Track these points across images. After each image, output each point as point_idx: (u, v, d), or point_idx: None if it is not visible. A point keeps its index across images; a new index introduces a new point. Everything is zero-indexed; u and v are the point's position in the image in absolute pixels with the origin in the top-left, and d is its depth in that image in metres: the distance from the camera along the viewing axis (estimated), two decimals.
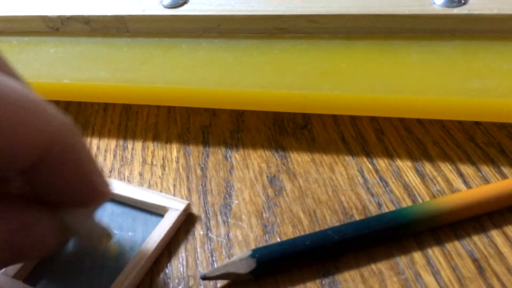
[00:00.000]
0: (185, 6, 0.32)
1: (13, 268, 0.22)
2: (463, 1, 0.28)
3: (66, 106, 0.34)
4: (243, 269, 0.21)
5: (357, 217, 0.24)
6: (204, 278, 0.21)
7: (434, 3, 0.28)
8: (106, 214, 0.25)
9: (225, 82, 0.29)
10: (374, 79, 0.27)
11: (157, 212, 0.25)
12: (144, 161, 0.29)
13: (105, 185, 0.21)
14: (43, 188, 0.19)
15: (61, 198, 0.20)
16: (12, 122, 0.17)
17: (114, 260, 0.23)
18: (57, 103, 0.34)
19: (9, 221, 0.19)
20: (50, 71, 0.32)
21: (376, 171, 0.26)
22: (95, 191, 0.20)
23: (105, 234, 0.21)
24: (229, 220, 0.24)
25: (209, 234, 0.24)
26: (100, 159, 0.29)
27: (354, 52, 0.29)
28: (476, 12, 0.27)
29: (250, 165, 0.27)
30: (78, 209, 0.21)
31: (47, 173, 0.19)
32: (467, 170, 0.25)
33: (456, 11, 0.27)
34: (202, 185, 0.26)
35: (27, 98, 0.17)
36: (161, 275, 0.22)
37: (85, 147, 0.20)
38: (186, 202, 0.25)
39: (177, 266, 0.23)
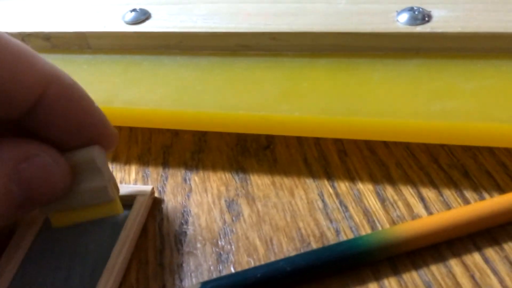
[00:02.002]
0: (147, 23, 0.32)
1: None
2: (426, 19, 0.27)
3: None
4: None
5: (314, 245, 0.23)
6: None
7: (397, 21, 0.27)
8: None
9: (185, 103, 0.28)
10: (335, 100, 0.26)
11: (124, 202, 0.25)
12: None
13: (110, 126, 0.23)
14: (48, 131, 0.22)
15: (67, 139, 0.22)
16: (11, 65, 0.20)
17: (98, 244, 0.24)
18: None
19: (12, 150, 0.20)
20: None
21: (337, 195, 0.25)
22: (100, 127, 0.22)
23: (113, 182, 0.23)
24: (184, 248, 0.24)
25: (162, 263, 0.23)
26: None
27: (316, 70, 0.28)
28: (439, 30, 0.26)
29: (209, 188, 0.27)
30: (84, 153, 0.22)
31: (51, 112, 0.21)
32: (429, 193, 0.24)
33: (419, 29, 0.27)
34: (158, 210, 0.26)
35: (23, 47, 0.20)
36: None
37: (83, 89, 0.22)
38: (150, 186, 0.26)
39: None
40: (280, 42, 0.29)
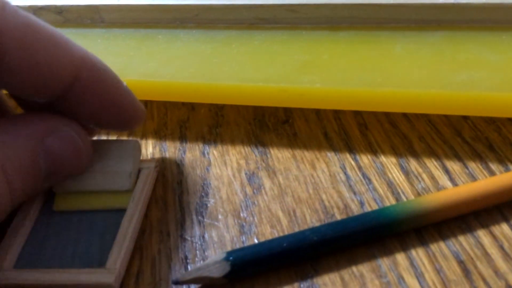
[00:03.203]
0: None
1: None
2: None
3: None
4: (217, 272, 0.20)
5: (339, 217, 0.23)
6: (176, 282, 0.20)
7: None
8: None
9: (203, 75, 0.27)
10: (357, 71, 0.26)
11: None
12: None
13: (139, 105, 0.24)
14: (80, 112, 0.22)
15: (98, 120, 0.23)
16: (46, 50, 0.20)
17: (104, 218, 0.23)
18: None
19: (39, 124, 0.21)
20: None
21: (359, 167, 0.25)
22: (131, 109, 0.23)
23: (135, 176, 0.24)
24: (205, 220, 0.23)
25: (184, 235, 0.23)
26: None
27: (336, 43, 0.28)
28: (463, 1, 0.26)
29: (228, 162, 0.26)
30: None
31: (83, 95, 0.22)
32: (454, 166, 0.24)
33: (442, 0, 0.26)
34: (177, 183, 0.25)
35: (56, 32, 0.21)
36: (132, 279, 0.21)
37: (114, 73, 0.23)
38: (154, 159, 0.26)
39: (149, 270, 0.21)
40: (298, 14, 0.29)
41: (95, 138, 0.27)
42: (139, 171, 0.25)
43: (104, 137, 0.29)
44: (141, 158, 0.26)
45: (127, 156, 0.24)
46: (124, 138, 0.28)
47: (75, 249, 0.22)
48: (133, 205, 0.23)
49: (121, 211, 0.23)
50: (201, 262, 0.21)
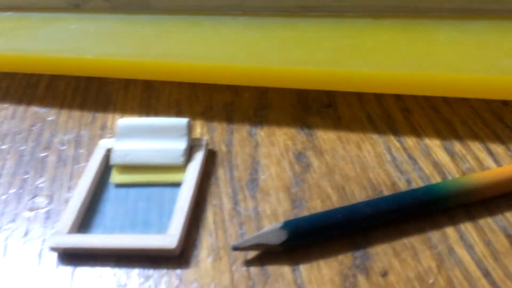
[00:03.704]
0: None
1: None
2: None
3: (87, 82, 0.33)
4: (274, 240, 0.21)
5: (387, 193, 0.23)
6: (235, 248, 0.21)
7: None
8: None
9: (250, 58, 0.28)
10: (401, 56, 0.27)
11: None
12: None
13: None
14: None
15: None
16: None
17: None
18: (78, 79, 0.33)
19: None
20: (72, 46, 0.31)
21: (404, 149, 0.26)
22: None
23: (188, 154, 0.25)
24: (257, 195, 0.24)
25: (237, 208, 0.24)
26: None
27: (381, 30, 0.28)
28: None
29: (275, 142, 0.27)
30: None
31: None
32: (497, 149, 0.25)
33: None
34: (228, 160, 0.26)
35: None
36: (191, 246, 0.22)
37: None
38: (205, 138, 0.27)
39: (207, 238, 0.22)
40: (342, 2, 0.30)
41: (148, 116, 0.29)
42: (191, 148, 0.26)
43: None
44: (202, 137, 0.27)
45: (181, 134, 0.25)
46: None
47: (134, 218, 0.23)
48: (188, 179, 0.24)
49: (175, 186, 0.24)
50: (257, 232, 0.22)
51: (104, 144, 0.27)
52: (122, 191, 0.25)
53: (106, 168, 0.26)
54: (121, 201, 0.24)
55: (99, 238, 0.22)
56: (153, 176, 0.25)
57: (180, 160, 0.25)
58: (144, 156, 0.25)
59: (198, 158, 0.25)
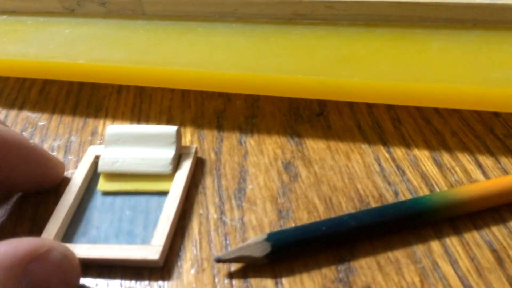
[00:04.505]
0: None
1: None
2: None
3: (80, 87, 0.33)
4: (258, 252, 0.21)
5: (374, 205, 0.23)
6: (219, 260, 0.21)
7: None
8: None
9: (242, 66, 0.28)
10: (393, 66, 0.27)
11: None
12: None
13: (54, 160, 0.25)
14: None
15: (13, 184, 0.24)
16: None
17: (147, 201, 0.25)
18: (71, 83, 0.33)
19: (19, 250, 0.19)
20: (65, 51, 0.31)
21: (393, 159, 0.25)
22: (43, 161, 0.24)
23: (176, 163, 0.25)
24: (243, 204, 0.24)
25: (223, 218, 0.24)
26: None
27: (373, 39, 0.28)
28: (499, 1, 0.27)
29: (265, 151, 0.27)
30: None
31: None
32: (486, 161, 0.25)
33: (479, 0, 0.27)
34: (216, 169, 0.26)
35: None
36: (175, 257, 0.22)
37: (13, 132, 0.23)
38: (194, 146, 0.27)
39: (191, 249, 0.22)
40: (336, 11, 0.30)
41: (137, 123, 0.29)
42: (180, 156, 0.26)
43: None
44: (192, 144, 0.27)
45: (170, 142, 0.25)
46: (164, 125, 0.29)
47: (119, 228, 0.23)
48: (175, 188, 0.24)
49: (163, 194, 0.24)
50: (241, 243, 0.22)
51: (93, 151, 0.27)
52: (109, 199, 0.25)
53: (94, 175, 0.26)
54: (108, 209, 0.24)
55: (83, 248, 0.22)
56: (141, 184, 0.25)
57: (168, 168, 0.25)
58: (132, 164, 0.25)
59: (186, 166, 0.25)
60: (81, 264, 0.21)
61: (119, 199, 0.25)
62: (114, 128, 0.26)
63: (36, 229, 0.24)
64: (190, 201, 0.25)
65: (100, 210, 0.24)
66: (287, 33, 0.30)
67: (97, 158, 0.26)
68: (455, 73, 0.26)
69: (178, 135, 0.26)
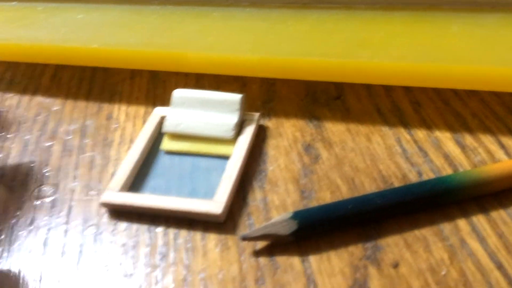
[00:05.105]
0: None
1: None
2: None
3: (93, 73, 0.33)
4: (284, 230, 0.21)
5: (397, 185, 0.23)
6: (244, 238, 0.21)
7: None
8: None
9: (259, 49, 0.28)
10: (412, 48, 0.26)
11: None
12: None
13: None
14: None
15: None
16: None
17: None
18: (83, 69, 0.33)
19: None
20: (78, 36, 0.31)
21: (415, 141, 0.25)
22: None
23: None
24: (265, 186, 0.24)
25: (246, 199, 0.23)
26: (129, 125, 0.28)
27: (391, 22, 0.28)
28: None
29: (284, 134, 0.27)
30: None
31: None
32: (509, 142, 0.25)
33: None
34: None
35: None
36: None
37: None
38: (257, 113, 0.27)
39: (214, 226, 0.22)
40: None
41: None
42: (242, 122, 0.26)
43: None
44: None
45: (233, 109, 0.26)
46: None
47: (181, 184, 0.24)
48: (237, 152, 0.25)
49: (222, 158, 0.25)
50: (266, 222, 0.22)
51: (159, 111, 0.27)
52: (171, 158, 0.25)
53: (159, 134, 0.27)
54: (170, 167, 0.25)
55: (149, 197, 0.23)
56: (202, 146, 0.26)
57: (230, 134, 0.25)
58: (196, 127, 0.26)
59: (249, 132, 0.26)
60: (145, 212, 0.22)
61: (181, 159, 0.25)
62: (181, 92, 0.27)
63: (55, 212, 0.23)
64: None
65: (163, 167, 0.25)
66: (303, 17, 0.30)
67: (162, 118, 0.27)
68: (474, 55, 0.25)
69: (242, 103, 0.26)
